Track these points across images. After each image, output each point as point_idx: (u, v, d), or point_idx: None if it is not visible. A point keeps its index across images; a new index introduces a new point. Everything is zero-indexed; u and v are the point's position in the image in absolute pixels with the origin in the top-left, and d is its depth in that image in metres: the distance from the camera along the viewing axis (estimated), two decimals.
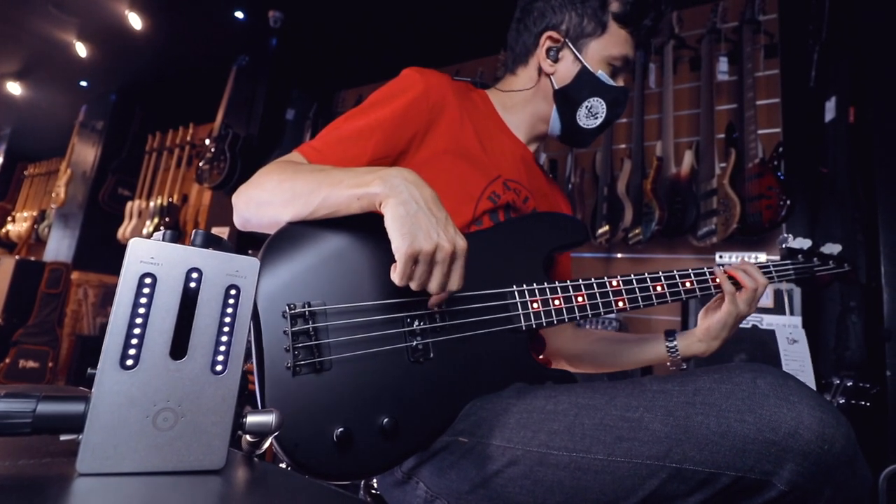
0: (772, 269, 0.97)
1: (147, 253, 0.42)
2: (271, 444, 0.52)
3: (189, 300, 0.43)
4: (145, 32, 3.53)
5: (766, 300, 1.75)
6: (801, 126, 2.09)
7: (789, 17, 2.21)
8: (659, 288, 0.86)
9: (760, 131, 2.09)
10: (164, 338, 0.42)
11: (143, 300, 0.41)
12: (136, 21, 3.39)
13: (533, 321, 0.77)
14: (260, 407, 0.61)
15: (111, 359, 0.40)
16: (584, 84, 0.97)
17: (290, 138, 3.55)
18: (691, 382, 0.61)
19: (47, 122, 5.38)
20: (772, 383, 0.57)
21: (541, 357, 1.07)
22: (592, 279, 0.83)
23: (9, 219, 6.15)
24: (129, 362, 0.40)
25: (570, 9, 0.96)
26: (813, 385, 1.47)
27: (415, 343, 0.69)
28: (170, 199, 4.07)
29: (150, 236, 0.43)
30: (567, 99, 0.98)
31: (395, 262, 0.65)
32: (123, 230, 4.14)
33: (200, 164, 3.44)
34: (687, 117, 2.40)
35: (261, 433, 0.45)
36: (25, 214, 5.88)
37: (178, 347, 0.42)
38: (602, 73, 0.96)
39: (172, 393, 0.41)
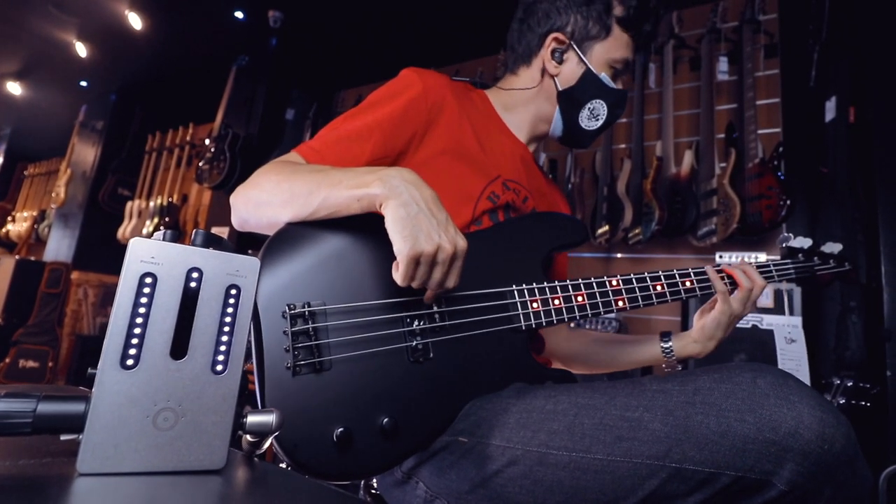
0: (772, 268, 0.97)
1: (147, 252, 0.42)
2: (271, 444, 0.52)
3: (189, 300, 0.43)
4: (145, 32, 3.53)
5: (767, 300, 1.75)
6: (801, 126, 2.09)
7: (789, 17, 2.21)
8: (659, 287, 0.86)
9: (760, 131, 2.09)
10: (165, 337, 0.42)
11: (144, 300, 0.41)
12: (136, 21, 3.38)
13: (533, 321, 0.77)
14: (260, 407, 0.61)
15: (111, 358, 0.40)
16: (588, 86, 0.97)
17: (289, 138, 3.55)
18: (691, 382, 0.61)
19: (47, 122, 5.38)
20: (772, 383, 0.57)
21: (540, 357, 1.07)
22: (592, 279, 0.83)
23: (9, 219, 6.15)
24: (130, 362, 0.40)
25: (576, 11, 0.96)
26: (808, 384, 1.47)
27: (414, 343, 0.69)
28: (170, 199, 4.07)
29: (150, 236, 0.43)
30: (570, 100, 0.99)
31: (395, 262, 0.65)
32: (123, 230, 4.14)
33: (200, 163, 3.44)
34: (687, 117, 2.40)
35: (261, 433, 0.45)
36: (25, 214, 5.88)
37: (179, 347, 0.42)
38: (604, 76, 0.97)
39: (173, 393, 0.41)
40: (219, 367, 0.43)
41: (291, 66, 3.61)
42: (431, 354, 0.70)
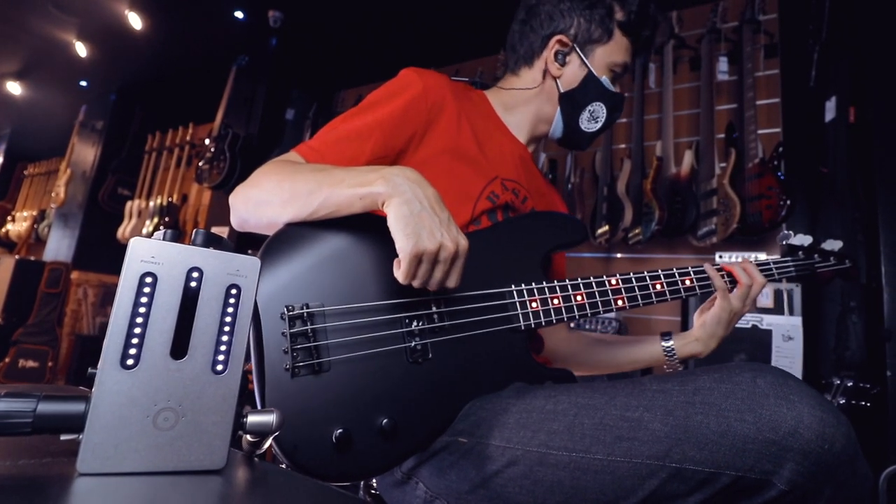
0: (772, 266, 0.97)
1: (148, 252, 0.42)
2: (271, 445, 0.52)
3: (190, 300, 0.43)
4: (145, 32, 3.53)
5: (767, 300, 1.75)
6: (801, 126, 2.09)
7: (789, 17, 2.21)
8: (658, 286, 0.86)
9: (760, 131, 2.09)
10: (165, 337, 0.42)
11: (144, 299, 0.41)
12: (136, 21, 3.38)
13: (532, 321, 0.77)
14: (259, 408, 0.60)
15: (112, 358, 0.40)
16: (589, 88, 0.99)
17: (289, 138, 3.55)
18: (691, 382, 0.61)
19: (47, 122, 5.38)
20: (772, 383, 0.57)
21: (539, 357, 1.07)
22: (591, 278, 0.83)
23: (9, 218, 6.15)
24: (130, 362, 0.40)
25: (579, 15, 0.98)
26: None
27: (413, 344, 0.69)
28: (169, 199, 4.07)
29: (150, 236, 0.43)
30: (572, 102, 1.00)
31: (396, 260, 0.65)
32: (123, 230, 4.14)
33: (200, 163, 3.43)
34: (687, 117, 2.40)
35: (261, 433, 0.45)
36: (25, 214, 5.88)
37: (179, 347, 0.42)
38: (605, 79, 0.99)
39: (173, 393, 0.41)
40: (219, 367, 0.43)
41: (291, 66, 3.61)
42: (430, 355, 0.70)
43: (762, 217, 1.93)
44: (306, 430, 0.61)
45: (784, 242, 1.06)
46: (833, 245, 1.06)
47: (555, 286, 0.80)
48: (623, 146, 2.53)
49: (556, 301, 0.79)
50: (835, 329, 1.82)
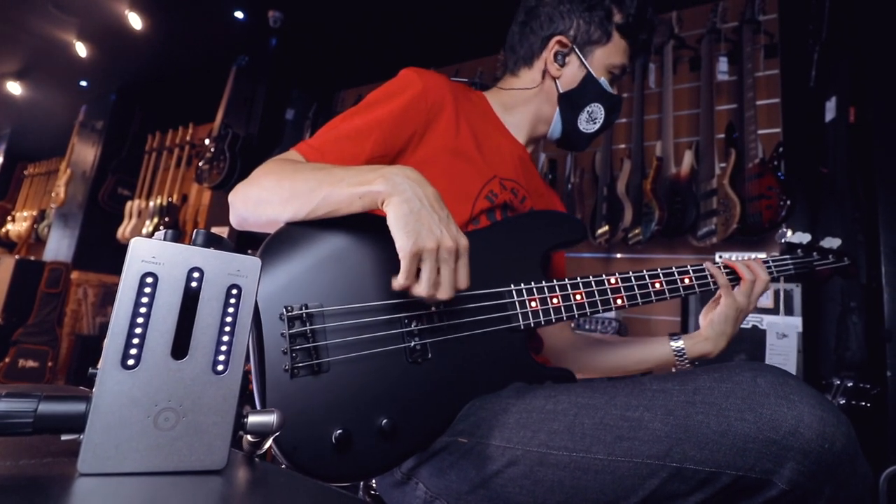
0: (771, 264, 0.97)
1: (148, 252, 0.42)
2: (271, 446, 0.52)
3: (190, 300, 0.43)
4: (145, 32, 3.53)
5: (767, 300, 1.75)
6: (801, 126, 2.09)
7: (789, 17, 2.21)
8: (658, 285, 0.86)
9: (760, 131, 2.09)
10: (166, 337, 0.42)
11: (145, 300, 0.41)
12: (136, 21, 3.38)
13: (531, 320, 0.77)
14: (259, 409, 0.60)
15: (112, 358, 0.40)
16: (588, 89, 1.00)
17: (289, 138, 3.55)
18: (691, 381, 0.61)
19: (47, 122, 5.38)
20: (772, 382, 0.57)
21: (539, 356, 1.06)
22: (591, 277, 0.83)
23: (9, 218, 6.15)
24: (131, 362, 0.40)
25: (578, 16, 0.99)
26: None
27: (413, 344, 0.69)
28: (169, 199, 4.07)
29: (150, 236, 0.43)
30: (571, 102, 1.00)
31: (394, 263, 0.65)
32: (123, 230, 4.14)
33: (200, 163, 3.43)
34: (687, 117, 2.40)
35: (262, 433, 0.45)
36: (25, 214, 5.88)
37: (180, 347, 0.42)
38: (603, 80, 1.00)
39: (174, 393, 0.41)
40: (220, 367, 0.43)
41: (291, 66, 3.61)
42: (430, 355, 0.70)
43: (762, 217, 1.93)
44: (306, 430, 0.61)
45: (782, 240, 1.05)
46: (832, 243, 1.06)
47: (554, 285, 0.80)
48: (623, 146, 2.53)
49: (555, 300, 0.79)
50: (835, 329, 1.82)
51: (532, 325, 0.77)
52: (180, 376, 0.42)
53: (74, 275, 4.06)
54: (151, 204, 4.09)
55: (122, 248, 4.01)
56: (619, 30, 0.99)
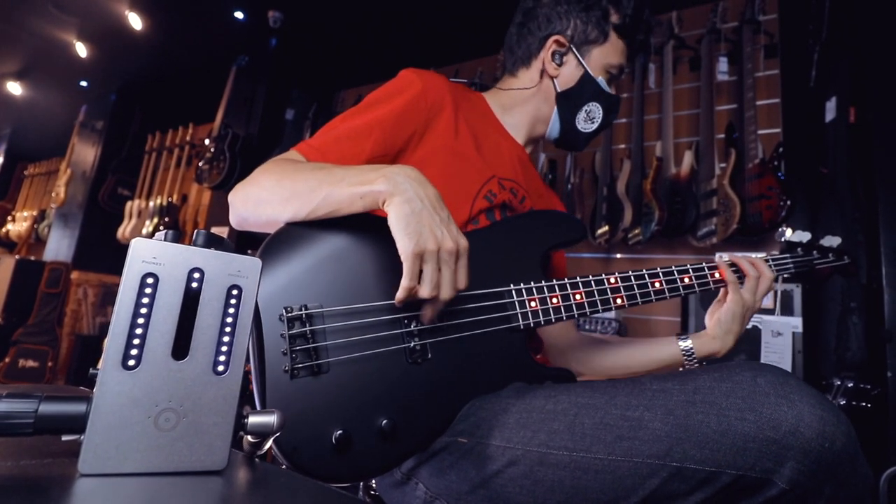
0: (771, 262, 0.97)
1: (149, 253, 0.42)
2: (271, 446, 0.52)
3: (191, 300, 0.43)
4: (145, 32, 3.53)
5: (767, 301, 1.75)
6: (801, 126, 2.09)
7: (789, 17, 2.21)
8: (657, 284, 0.86)
9: (760, 131, 2.09)
10: (166, 338, 0.42)
11: (145, 300, 0.41)
12: (136, 21, 3.38)
13: (531, 320, 0.77)
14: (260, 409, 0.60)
15: (113, 359, 0.40)
16: (586, 88, 1.00)
17: (289, 138, 3.55)
18: (691, 381, 0.62)
19: (47, 122, 5.38)
20: (772, 381, 0.57)
21: (539, 356, 1.06)
22: (590, 276, 0.83)
23: (9, 218, 6.15)
24: (131, 362, 0.40)
25: (575, 16, 1.00)
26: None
27: (412, 344, 0.69)
28: (169, 199, 4.07)
29: (150, 236, 0.43)
30: (569, 101, 1.01)
31: (394, 263, 0.65)
32: (123, 230, 4.14)
33: (200, 163, 3.43)
34: (687, 117, 2.40)
35: (262, 434, 0.45)
36: (25, 214, 5.88)
37: (180, 348, 0.42)
38: (601, 79, 1.01)
39: (174, 393, 0.41)
40: (220, 368, 0.43)
41: (291, 66, 3.61)
42: (430, 355, 0.70)
43: (762, 217, 1.93)
44: (306, 431, 0.61)
45: (782, 239, 1.05)
46: (831, 241, 1.06)
47: (553, 285, 0.80)
48: (623, 146, 2.53)
49: (554, 300, 0.79)
50: (835, 330, 1.82)
51: (532, 325, 0.77)
52: (181, 377, 0.42)
53: (74, 275, 4.06)
54: (151, 204, 4.09)
55: (122, 248, 4.03)
56: (616, 30, 1.00)
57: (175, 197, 4.12)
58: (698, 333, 0.95)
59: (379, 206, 0.67)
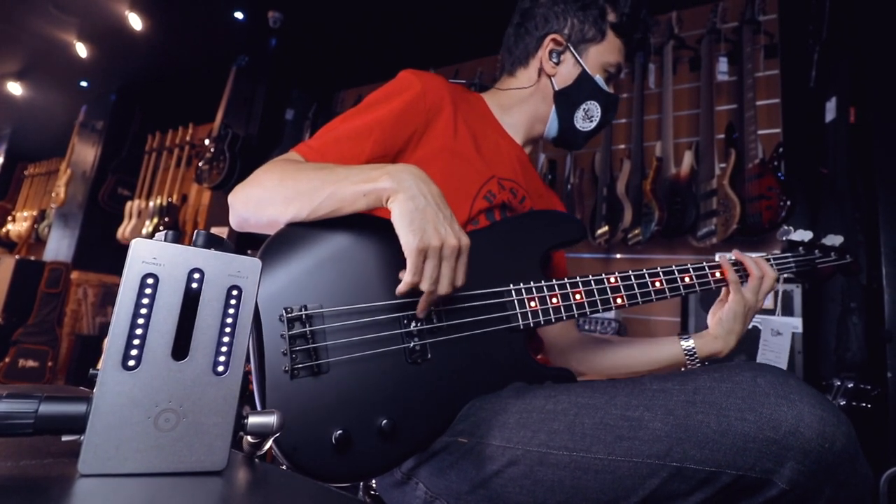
0: (772, 262, 0.97)
1: (149, 253, 0.42)
2: (271, 446, 0.52)
3: (191, 301, 0.43)
4: (145, 32, 3.53)
5: (767, 301, 1.75)
6: (801, 126, 2.09)
7: (789, 17, 2.21)
8: (658, 283, 0.86)
9: (760, 132, 2.09)
10: (166, 338, 0.42)
11: (145, 301, 0.41)
12: (136, 21, 3.39)
13: (531, 320, 0.77)
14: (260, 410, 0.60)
15: (113, 359, 0.40)
16: (583, 87, 1.01)
17: (289, 138, 3.55)
18: (691, 381, 0.62)
19: (47, 122, 5.38)
20: (772, 382, 0.57)
21: (539, 356, 1.06)
22: (590, 276, 0.82)
23: (9, 218, 6.15)
24: (131, 363, 0.40)
25: (573, 15, 1.00)
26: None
27: (412, 344, 0.69)
28: (169, 199, 4.07)
29: (150, 236, 0.43)
30: (567, 100, 1.01)
31: (394, 263, 0.65)
32: (123, 230, 4.14)
33: (200, 164, 3.43)
34: (686, 118, 2.40)
35: (262, 434, 0.45)
36: (25, 214, 5.88)
37: (180, 348, 0.42)
38: (599, 78, 1.01)
39: (174, 393, 0.41)
40: (220, 368, 0.43)
41: (291, 66, 3.61)
42: (429, 355, 0.70)
43: (762, 218, 1.93)
44: (306, 431, 0.61)
45: (784, 238, 1.05)
46: (834, 240, 1.06)
47: (553, 285, 0.80)
48: (622, 147, 2.53)
49: (554, 300, 0.79)
50: (835, 330, 1.82)
51: (531, 324, 0.77)
52: (181, 377, 0.42)
53: (74, 275, 4.06)
54: (151, 204, 4.09)
55: (122, 249, 4.03)
56: (614, 28, 1.00)
57: (175, 197, 4.12)
58: (700, 333, 0.95)
59: (382, 203, 0.67)
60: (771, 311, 1.73)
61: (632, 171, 2.35)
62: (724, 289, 0.93)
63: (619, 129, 2.56)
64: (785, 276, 0.99)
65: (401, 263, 0.67)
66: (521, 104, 1.05)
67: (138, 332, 0.41)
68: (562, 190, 2.59)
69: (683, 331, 1.86)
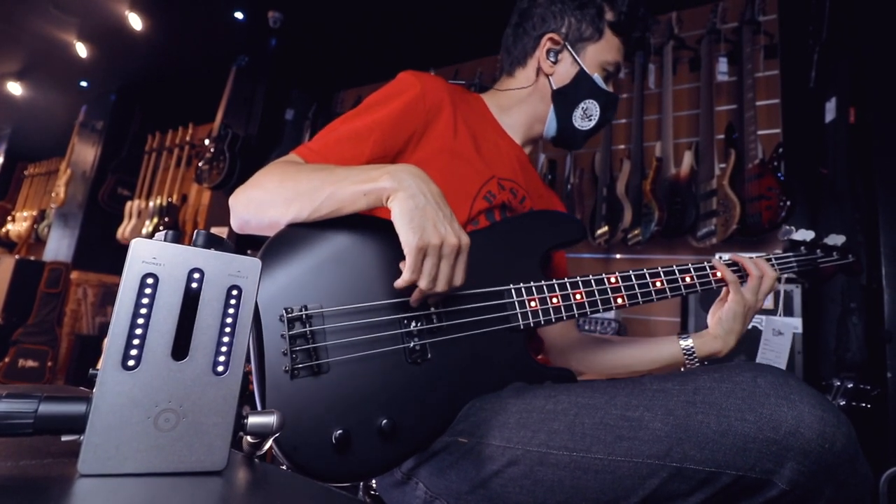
0: (773, 261, 0.96)
1: (149, 253, 0.42)
2: (271, 446, 0.52)
3: (191, 300, 0.43)
4: (145, 32, 3.53)
5: (767, 302, 1.75)
6: (801, 127, 2.09)
7: (789, 18, 2.21)
8: (658, 283, 0.86)
9: (760, 132, 2.09)
10: (166, 338, 0.42)
11: (145, 300, 0.41)
12: (136, 21, 3.39)
13: (531, 320, 0.77)
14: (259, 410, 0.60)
15: (113, 359, 0.40)
16: (581, 85, 1.00)
17: (289, 138, 3.55)
18: (691, 381, 0.62)
19: (47, 122, 5.38)
20: (772, 382, 0.57)
21: (539, 356, 1.07)
22: (591, 276, 0.82)
23: (9, 218, 6.15)
24: (131, 363, 0.40)
25: (570, 14, 1.00)
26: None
27: (412, 344, 0.69)
28: (169, 199, 4.07)
29: (150, 236, 0.43)
30: (565, 99, 1.01)
31: (394, 263, 0.65)
32: (123, 230, 4.14)
33: (200, 164, 3.43)
34: (686, 118, 2.40)
35: (262, 434, 0.45)
36: (25, 214, 5.88)
37: (180, 348, 0.42)
38: (597, 76, 1.01)
39: (174, 393, 0.41)
40: (220, 368, 0.43)
41: (291, 66, 3.61)
42: (429, 355, 0.70)
43: (762, 218, 1.93)
44: (306, 431, 0.61)
45: (786, 238, 1.05)
46: (836, 240, 1.05)
47: (553, 285, 0.80)
48: (622, 147, 2.53)
49: (554, 300, 0.79)
50: (835, 330, 1.82)
51: (532, 324, 0.77)
52: (180, 377, 0.42)
53: (74, 275, 4.06)
54: (151, 204, 4.09)
55: (121, 248, 4.03)
56: (612, 27, 1.00)
57: (175, 197, 4.12)
58: (700, 333, 0.95)
59: (383, 202, 0.67)
60: (772, 312, 1.73)
61: (632, 171, 2.35)
62: (724, 289, 0.92)
63: (618, 130, 2.56)
64: (786, 275, 0.98)
65: (401, 263, 0.67)
66: (519, 104, 1.05)
67: (138, 331, 0.41)
68: (562, 190, 2.59)
69: (683, 331, 1.86)
